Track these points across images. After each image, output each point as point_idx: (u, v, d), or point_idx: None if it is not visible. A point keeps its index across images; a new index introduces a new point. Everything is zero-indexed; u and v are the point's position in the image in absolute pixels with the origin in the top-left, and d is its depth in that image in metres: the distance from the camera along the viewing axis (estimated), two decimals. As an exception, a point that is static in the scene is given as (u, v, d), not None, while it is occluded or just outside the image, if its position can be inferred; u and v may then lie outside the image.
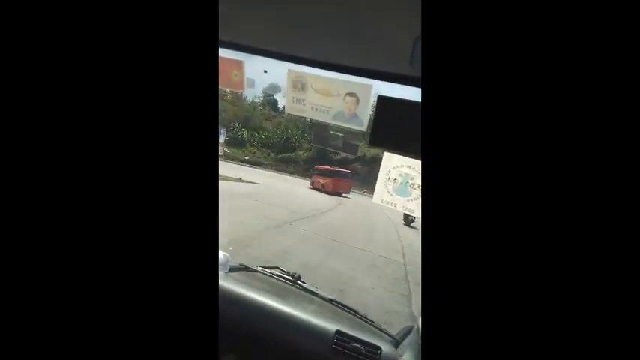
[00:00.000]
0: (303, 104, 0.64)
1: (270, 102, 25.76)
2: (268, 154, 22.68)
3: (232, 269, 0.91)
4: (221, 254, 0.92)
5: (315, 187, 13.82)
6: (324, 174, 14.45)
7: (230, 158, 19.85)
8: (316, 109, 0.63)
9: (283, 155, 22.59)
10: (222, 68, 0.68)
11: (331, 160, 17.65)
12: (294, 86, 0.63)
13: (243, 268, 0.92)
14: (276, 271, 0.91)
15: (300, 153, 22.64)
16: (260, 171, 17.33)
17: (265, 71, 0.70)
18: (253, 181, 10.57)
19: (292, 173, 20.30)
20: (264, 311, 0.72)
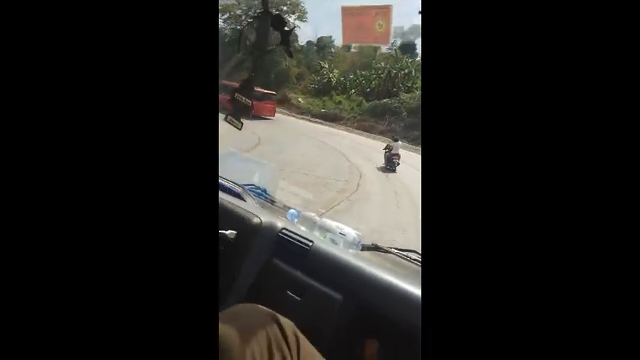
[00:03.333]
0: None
1: (407, 45, 18.40)
2: (360, 104, 15.86)
3: (364, 248, 0.91)
4: (353, 232, 0.93)
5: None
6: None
7: (303, 111, 16.23)
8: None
9: (377, 102, 14.98)
10: (362, 21, 0.58)
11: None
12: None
13: (375, 248, 0.91)
14: (413, 255, 0.86)
15: (406, 97, 14.27)
16: (334, 130, 13.63)
17: (420, 12, 0.56)
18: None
19: (383, 132, 13.41)
20: (402, 296, 0.68)
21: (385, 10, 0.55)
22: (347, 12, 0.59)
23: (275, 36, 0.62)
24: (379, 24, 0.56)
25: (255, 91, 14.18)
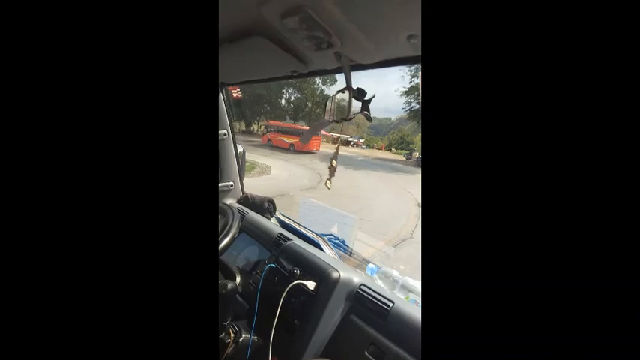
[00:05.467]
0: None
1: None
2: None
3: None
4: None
5: (275, 146, 14.60)
6: (287, 132, 14.48)
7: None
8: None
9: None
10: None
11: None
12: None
13: None
14: None
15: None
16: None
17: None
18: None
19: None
20: None
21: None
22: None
23: (357, 105, 0.71)
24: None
25: (301, 129, 15.85)
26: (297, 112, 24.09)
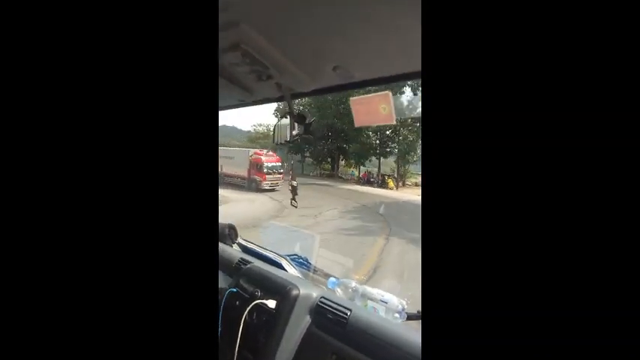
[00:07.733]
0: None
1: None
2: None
3: (411, 317, 0.88)
4: (396, 300, 0.91)
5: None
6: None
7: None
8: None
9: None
10: (369, 108, 0.72)
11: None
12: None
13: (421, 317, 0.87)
14: None
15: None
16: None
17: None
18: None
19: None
20: None
21: (385, 96, 0.68)
22: (355, 102, 0.73)
23: (300, 127, 0.78)
24: (383, 107, 0.69)
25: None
26: (384, 144, 18.30)
